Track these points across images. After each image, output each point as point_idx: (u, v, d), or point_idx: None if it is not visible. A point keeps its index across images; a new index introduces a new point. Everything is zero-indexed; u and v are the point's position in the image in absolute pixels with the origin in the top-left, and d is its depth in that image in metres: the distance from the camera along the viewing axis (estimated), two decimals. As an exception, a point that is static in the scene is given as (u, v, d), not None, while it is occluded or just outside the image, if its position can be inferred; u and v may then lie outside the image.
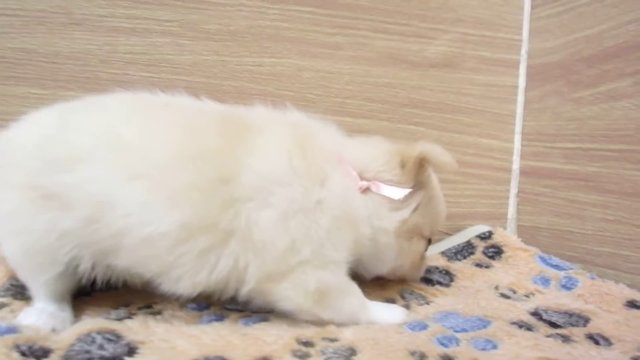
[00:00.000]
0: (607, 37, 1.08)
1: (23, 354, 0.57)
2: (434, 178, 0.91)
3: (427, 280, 1.05)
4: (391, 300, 0.93)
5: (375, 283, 0.99)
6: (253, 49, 1.12)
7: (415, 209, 0.85)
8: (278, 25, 1.13)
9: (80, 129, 0.72)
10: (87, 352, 0.59)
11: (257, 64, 1.12)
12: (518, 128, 1.32)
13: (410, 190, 0.83)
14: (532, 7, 1.30)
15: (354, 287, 0.80)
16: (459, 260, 1.15)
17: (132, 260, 0.71)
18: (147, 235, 0.67)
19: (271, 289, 0.73)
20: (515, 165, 1.33)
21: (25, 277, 0.75)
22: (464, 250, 1.17)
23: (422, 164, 0.84)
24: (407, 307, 0.89)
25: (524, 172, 1.31)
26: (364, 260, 0.85)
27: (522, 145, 1.32)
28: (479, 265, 1.12)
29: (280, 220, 0.71)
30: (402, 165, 0.83)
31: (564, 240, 1.18)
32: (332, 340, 0.68)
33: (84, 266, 0.72)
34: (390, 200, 0.82)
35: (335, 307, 0.75)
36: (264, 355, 0.62)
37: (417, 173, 0.84)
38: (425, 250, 0.94)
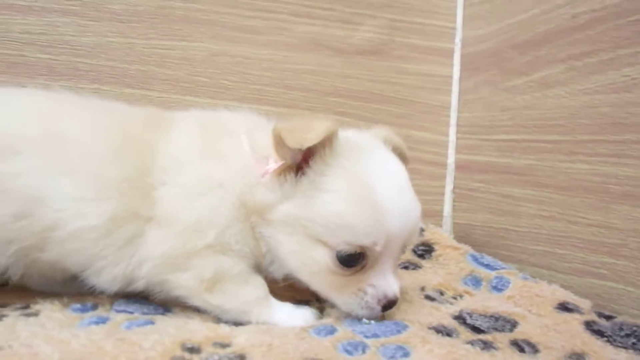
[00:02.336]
0: (539, 21, 1.02)
1: None
2: (345, 163, 0.68)
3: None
4: (304, 302, 0.84)
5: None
6: (162, 32, 1.05)
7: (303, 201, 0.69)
8: (190, 6, 1.07)
9: (18, 119, 0.72)
10: None
11: (166, 48, 1.05)
12: (453, 120, 1.25)
13: (273, 165, 0.68)
14: (466, -6, 1.23)
15: (256, 279, 0.74)
16: (388, 261, 1.07)
17: (59, 253, 0.70)
18: (77, 228, 0.68)
19: (170, 275, 0.71)
20: (451, 159, 1.25)
21: None
22: (393, 250, 1.09)
23: (279, 142, 0.66)
24: (321, 309, 0.81)
25: (459, 167, 1.24)
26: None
27: (457, 138, 1.25)
28: (406, 267, 1.04)
29: (186, 198, 0.70)
30: None
31: (499, 238, 1.11)
32: (224, 345, 0.61)
33: (3, 261, 0.70)
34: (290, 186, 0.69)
35: (226, 293, 0.72)
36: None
37: (279, 151, 0.68)
38: (336, 266, 0.68)
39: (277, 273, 0.76)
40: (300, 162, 0.69)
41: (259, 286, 0.74)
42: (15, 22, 0.97)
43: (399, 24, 1.20)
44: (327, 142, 0.67)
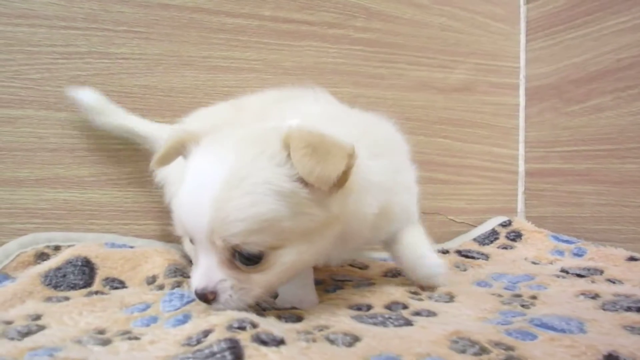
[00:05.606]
0: (590, 64, 1.42)
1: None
2: (187, 164, 0.76)
3: (469, 257, 1.32)
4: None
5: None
6: (319, 81, 1.37)
7: None
8: (336, 61, 1.42)
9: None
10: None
11: (322, 93, 1.40)
12: (521, 138, 1.64)
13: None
14: (527, 41, 1.63)
15: None
16: (487, 244, 1.44)
17: None
18: None
19: None
20: (521, 168, 1.64)
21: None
22: (491, 236, 1.47)
23: None
24: (464, 270, 1.16)
25: (529, 174, 1.63)
26: None
27: (526, 152, 1.63)
28: (504, 248, 1.41)
29: None
30: None
31: (566, 224, 1.48)
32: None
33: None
34: None
35: None
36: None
37: None
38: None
39: None
40: None
41: None
42: (218, 79, 1.31)
43: (481, 66, 1.59)
44: (174, 153, 0.78)
